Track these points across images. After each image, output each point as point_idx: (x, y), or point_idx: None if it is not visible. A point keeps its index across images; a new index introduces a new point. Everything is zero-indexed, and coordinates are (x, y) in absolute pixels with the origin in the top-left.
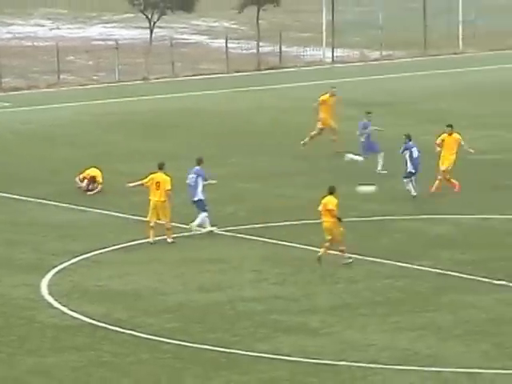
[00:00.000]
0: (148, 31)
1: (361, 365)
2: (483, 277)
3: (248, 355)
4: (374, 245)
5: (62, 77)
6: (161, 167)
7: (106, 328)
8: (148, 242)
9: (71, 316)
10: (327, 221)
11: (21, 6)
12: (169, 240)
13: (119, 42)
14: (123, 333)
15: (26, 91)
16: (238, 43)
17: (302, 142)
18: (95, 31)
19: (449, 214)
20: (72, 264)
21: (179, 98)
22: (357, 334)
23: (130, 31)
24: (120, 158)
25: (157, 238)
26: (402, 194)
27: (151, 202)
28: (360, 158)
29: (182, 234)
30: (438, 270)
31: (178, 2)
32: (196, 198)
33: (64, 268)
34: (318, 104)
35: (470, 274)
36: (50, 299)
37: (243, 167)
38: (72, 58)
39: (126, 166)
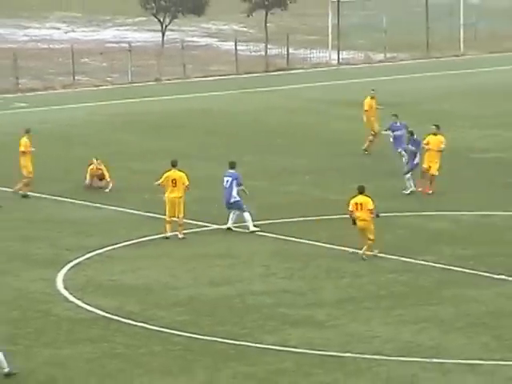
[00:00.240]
0: (160, 34)
1: (365, 356)
2: (484, 271)
3: (256, 347)
4: (379, 240)
5: (76, 78)
6: (174, 164)
7: (119, 321)
8: (164, 236)
9: (86, 309)
10: (363, 219)
11: (37, 10)
12: (180, 236)
13: (132, 44)
14: (135, 325)
15: (42, 92)
16: (247, 46)
17: (363, 148)
18: (109, 34)
19: (450, 210)
20: (86, 259)
21: (190, 99)
22: (361, 326)
23: (142, 34)
24: (133, 157)
25: (168, 235)
26: (404, 195)
27: (169, 200)
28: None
29: (192, 230)
30: (440, 265)
31: (189, 5)
32: (232, 200)
33: (79, 263)
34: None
35: (471, 269)
36: (66, 293)
37: (252, 166)
38: (86, 59)
39: (139, 164)
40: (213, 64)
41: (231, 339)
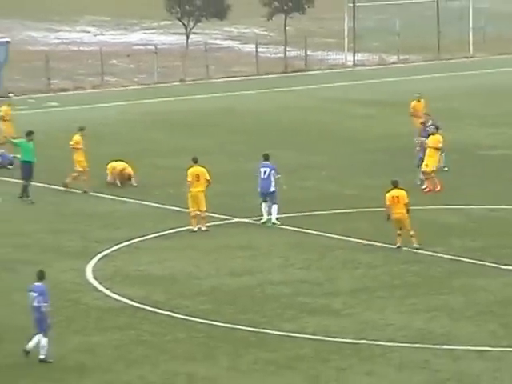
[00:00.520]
0: (184, 37)
1: (379, 343)
2: (492, 262)
3: (275, 334)
4: (392, 233)
5: (105, 79)
6: (196, 161)
7: (145, 309)
8: (191, 229)
9: (114, 298)
10: (399, 212)
11: (68, 14)
12: (203, 228)
13: (158, 46)
14: (161, 314)
15: (72, 92)
16: (267, 48)
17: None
18: (136, 37)
19: (460, 204)
20: (114, 251)
21: (213, 98)
22: (376, 314)
23: (167, 37)
24: (158, 154)
25: (195, 228)
26: (417, 186)
27: (192, 194)
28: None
29: (215, 223)
30: (450, 256)
31: (212, 10)
32: (271, 189)
33: (107, 254)
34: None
35: (480, 260)
36: (95, 283)
37: (271, 161)
38: (115, 61)
39: (164, 160)
40: (234, 65)
41: (252, 327)
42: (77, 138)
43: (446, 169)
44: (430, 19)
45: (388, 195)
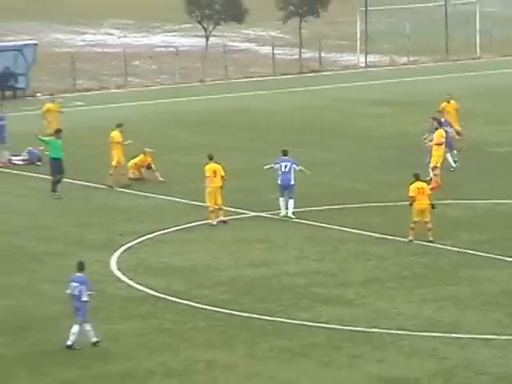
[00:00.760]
0: (204, 39)
1: (390, 331)
2: (497, 254)
3: (291, 323)
4: (402, 226)
5: (128, 79)
6: (211, 158)
7: (166, 299)
8: (210, 223)
9: (137, 288)
10: (423, 203)
11: (93, 17)
12: (225, 219)
13: (179, 48)
14: (182, 303)
15: (97, 92)
16: (283, 50)
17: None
18: (158, 39)
19: (467, 199)
20: (138, 243)
21: (231, 98)
22: (387, 304)
23: (188, 39)
24: (179, 151)
25: (214, 222)
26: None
27: (210, 189)
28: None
29: (233, 217)
30: (457, 249)
31: (230, 13)
32: (292, 183)
33: (131, 247)
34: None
35: (486, 252)
36: (119, 274)
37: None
38: (137, 62)
39: (185, 157)
40: (252, 66)
41: (268, 316)
42: (115, 133)
43: (454, 167)
44: (439, 22)
45: (412, 187)
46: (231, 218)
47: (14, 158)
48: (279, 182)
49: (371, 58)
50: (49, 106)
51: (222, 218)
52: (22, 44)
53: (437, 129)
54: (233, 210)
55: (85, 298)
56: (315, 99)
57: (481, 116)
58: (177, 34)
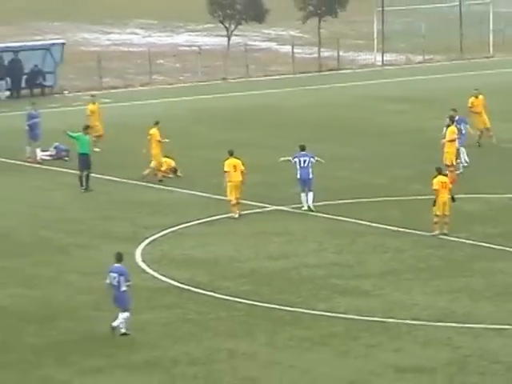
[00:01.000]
0: (226, 39)
1: (406, 321)
2: (510, 247)
3: (310, 313)
4: (419, 220)
5: (153, 77)
6: (231, 153)
7: (190, 290)
8: (232, 216)
9: (161, 280)
10: (445, 196)
11: (118, 18)
12: (240, 212)
13: (202, 47)
14: (205, 294)
15: (122, 89)
16: (303, 49)
17: (494, 141)
18: (181, 38)
19: (481, 193)
20: (161, 236)
21: (252, 96)
22: (403, 295)
23: (210, 39)
24: (202, 147)
25: (236, 215)
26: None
27: (231, 183)
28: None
29: (253, 211)
30: (472, 242)
31: (251, 13)
32: (310, 176)
33: (155, 239)
34: (469, 108)
35: (500, 245)
36: (144, 265)
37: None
38: (161, 61)
39: (207, 153)
40: (272, 65)
41: (288, 306)
42: (154, 131)
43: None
44: (453, 22)
45: (435, 180)
46: (252, 211)
47: (42, 153)
48: (298, 176)
49: (388, 57)
50: (91, 107)
51: (239, 212)
52: (50, 43)
53: (449, 125)
54: (253, 203)
55: (123, 288)
56: (334, 97)
57: (494, 113)
58: (200, 33)
